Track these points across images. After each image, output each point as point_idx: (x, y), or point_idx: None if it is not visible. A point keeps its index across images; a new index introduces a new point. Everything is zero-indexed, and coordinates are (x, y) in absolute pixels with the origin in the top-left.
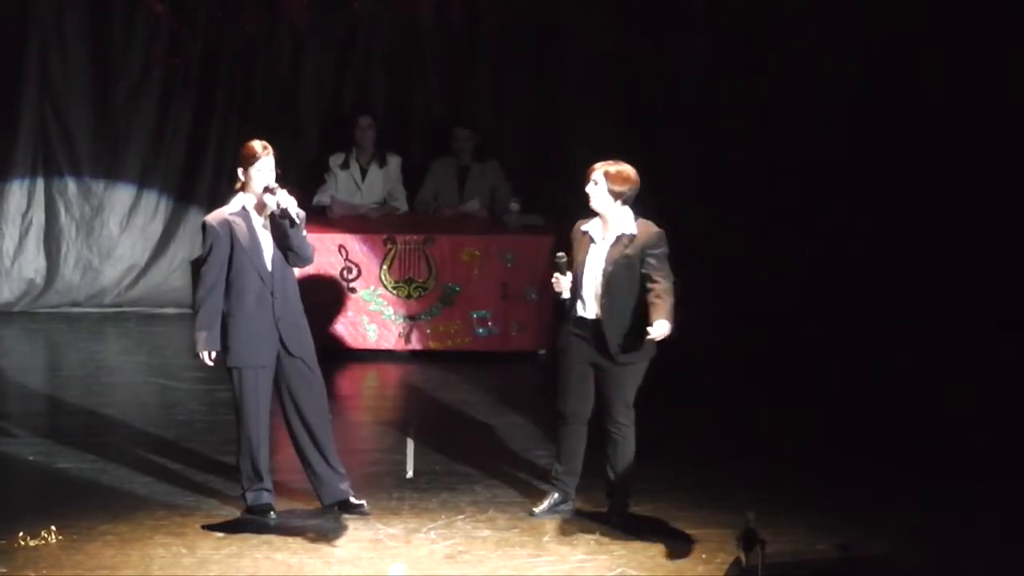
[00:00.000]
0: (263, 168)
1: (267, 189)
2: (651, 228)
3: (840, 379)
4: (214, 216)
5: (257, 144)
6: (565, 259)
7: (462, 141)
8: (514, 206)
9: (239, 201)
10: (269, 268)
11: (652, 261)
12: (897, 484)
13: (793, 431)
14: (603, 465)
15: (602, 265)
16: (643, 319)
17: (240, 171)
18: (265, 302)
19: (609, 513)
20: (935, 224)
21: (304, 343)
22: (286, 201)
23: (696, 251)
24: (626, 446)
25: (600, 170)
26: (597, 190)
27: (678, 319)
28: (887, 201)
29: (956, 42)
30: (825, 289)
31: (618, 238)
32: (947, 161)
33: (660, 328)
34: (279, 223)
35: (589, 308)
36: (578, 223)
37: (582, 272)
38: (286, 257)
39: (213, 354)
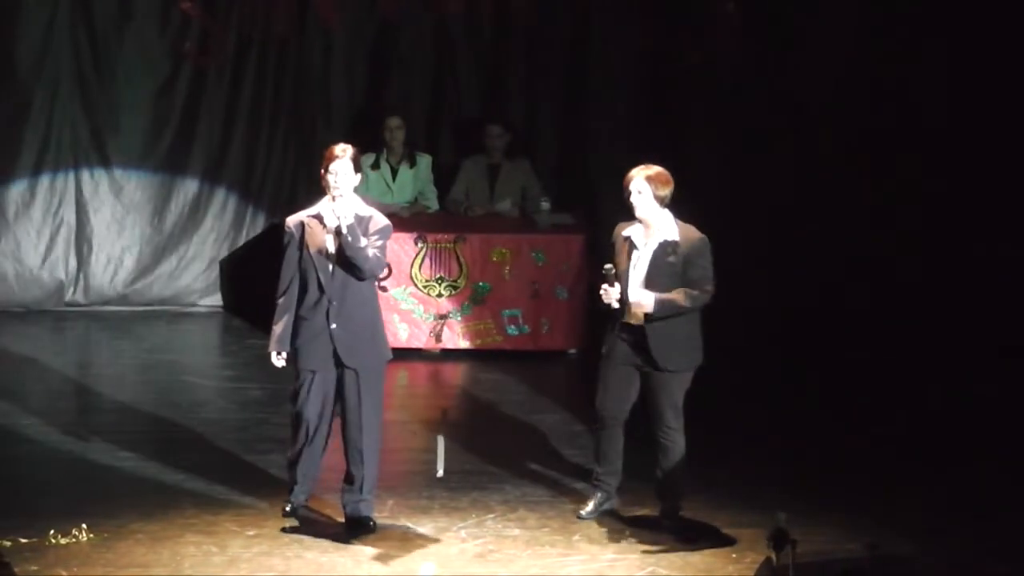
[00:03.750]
0: (335, 171)
1: (332, 196)
2: (693, 234)
3: (870, 379)
4: (293, 217)
5: (337, 147)
6: (614, 271)
7: (494, 138)
8: (544, 205)
9: (321, 204)
10: (330, 274)
11: (699, 272)
12: (927, 483)
13: (824, 431)
14: (653, 470)
15: (645, 273)
16: (685, 329)
17: (322, 172)
18: (321, 308)
19: (661, 517)
20: (969, 226)
21: (361, 355)
22: (340, 210)
23: (726, 250)
24: (676, 451)
25: (641, 177)
26: (643, 199)
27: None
28: (919, 199)
29: (990, 44)
30: (855, 289)
31: (661, 245)
32: (978, 160)
33: (645, 297)
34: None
35: (634, 315)
36: (619, 227)
37: (626, 280)
38: (345, 267)
39: (284, 355)
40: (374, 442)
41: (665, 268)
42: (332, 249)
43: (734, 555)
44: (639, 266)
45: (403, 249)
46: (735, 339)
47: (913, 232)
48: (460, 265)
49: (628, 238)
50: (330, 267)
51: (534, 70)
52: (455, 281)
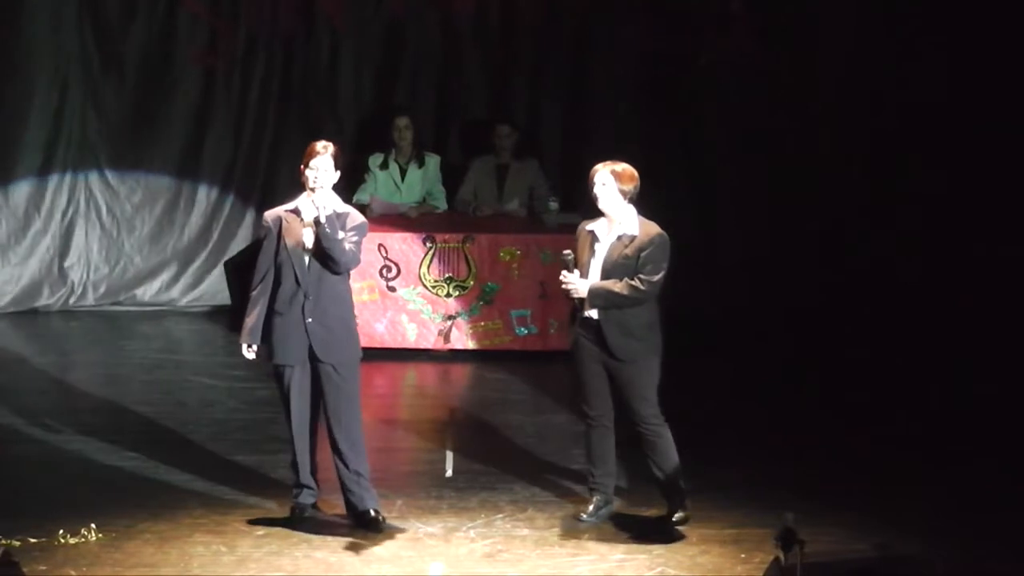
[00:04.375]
0: (316, 167)
1: (311, 189)
2: (651, 229)
3: (875, 378)
4: (271, 211)
5: (319, 144)
6: (572, 256)
7: (502, 138)
8: (553, 204)
9: (299, 199)
10: (307, 267)
11: (646, 265)
12: (933, 483)
13: (829, 431)
14: (648, 468)
15: (601, 265)
16: (642, 318)
17: (301, 168)
18: (297, 302)
19: (669, 517)
20: (969, 226)
21: (336, 350)
22: (320, 201)
23: (729, 248)
24: (663, 444)
25: (607, 171)
26: (606, 191)
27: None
28: (919, 199)
29: (990, 44)
30: (859, 287)
31: (619, 238)
32: (987, 160)
33: (582, 285)
34: (320, 224)
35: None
36: (583, 222)
37: (586, 272)
38: (321, 261)
39: (254, 348)
40: (359, 436)
41: (620, 261)
42: (309, 244)
43: (742, 555)
44: (598, 259)
45: (412, 249)
46: (736, 338)
47: (913, 232)
48: (468, 265)
49: (592, 231)
50: (306, 260)
51: (541, 69)
52: (464, 281)
